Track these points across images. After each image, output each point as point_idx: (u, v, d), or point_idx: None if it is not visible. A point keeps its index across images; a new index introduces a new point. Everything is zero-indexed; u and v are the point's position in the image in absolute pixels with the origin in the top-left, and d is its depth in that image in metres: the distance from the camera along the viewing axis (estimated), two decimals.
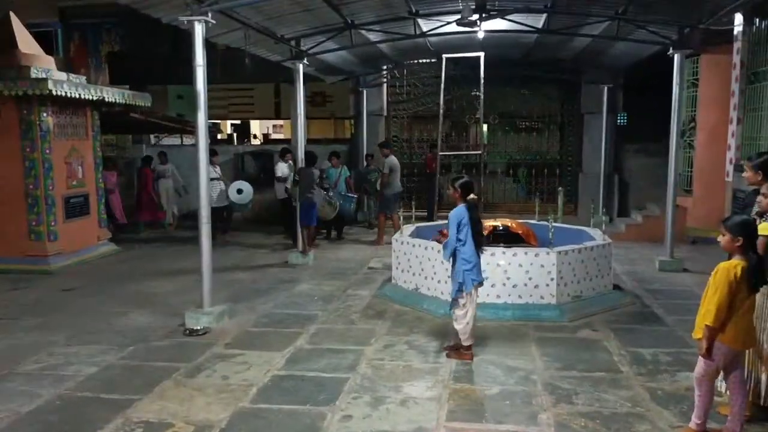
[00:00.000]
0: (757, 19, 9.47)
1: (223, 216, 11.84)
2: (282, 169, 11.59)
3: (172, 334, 6.14)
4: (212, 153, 11.72)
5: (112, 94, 9.89)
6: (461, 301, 5.31)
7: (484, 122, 12.79)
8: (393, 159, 11.56)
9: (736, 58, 9.92)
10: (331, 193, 11.21)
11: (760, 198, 4.12)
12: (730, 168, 10.12)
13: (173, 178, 13.25)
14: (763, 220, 3.98)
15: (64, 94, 8.75)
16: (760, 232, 3.80)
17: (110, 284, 8.36)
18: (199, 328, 6.19)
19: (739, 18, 9.24)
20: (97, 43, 16.91)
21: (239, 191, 11.44)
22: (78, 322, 6.56)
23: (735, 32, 9.72)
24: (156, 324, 6.48)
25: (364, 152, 13.90)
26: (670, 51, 8.72)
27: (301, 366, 5.23)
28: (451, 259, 5.32)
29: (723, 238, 3.70)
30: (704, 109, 11.09)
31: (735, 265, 3.60)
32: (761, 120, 9.40)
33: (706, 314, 3.62)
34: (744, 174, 4.57)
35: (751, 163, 4.44)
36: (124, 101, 10.18)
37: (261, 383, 4.86)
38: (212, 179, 11.27)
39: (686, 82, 11.08)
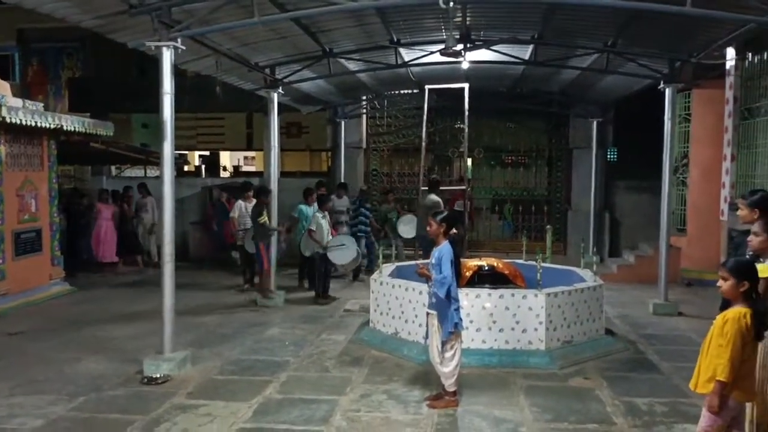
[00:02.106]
0: (750, 54, 9.79)
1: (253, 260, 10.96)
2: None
3: (128, 383, 6.00)
4: (245, 189, 11.18)
5: (71, 122, 9.83)
6: (451, 343, 5.32)
7: (469, 156, 12.93)
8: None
9: (729, 94, 10.23)
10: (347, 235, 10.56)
11: (751, 237, 4.17)
12: (724, 206, 10.32)
13: (153, 213, 13.13)
14: (760, 262, 4.02)
15: (18, 121, 8.65)
16: (760, 275, 3.76)
17: (62, 328, 8.16)
18: (158, 375, 6.05)
19: (731, 52, 9.55)
20: (57, 68, 16.97)
21: None
22: (24, 370, 6.39)
23: (727, 66, 10.03)
24: (111, 371, 6.33)
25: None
26: (661, 85, 8.97)
27: (271, 418, 5.14)
28: (435, 300, 5.32)
29: (725, 283, 3.63)
30: (697, 145, 11.37)
31: (744, 313, 3.54)
32: (756, 157, 9.65)
33: (717, 368, 3.52)
34: (739, 212, 4.66)
35: (745, 200, 4.53)
36: (84, 130, 10.12)
37: None
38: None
39: (678, 117, 11.34)
